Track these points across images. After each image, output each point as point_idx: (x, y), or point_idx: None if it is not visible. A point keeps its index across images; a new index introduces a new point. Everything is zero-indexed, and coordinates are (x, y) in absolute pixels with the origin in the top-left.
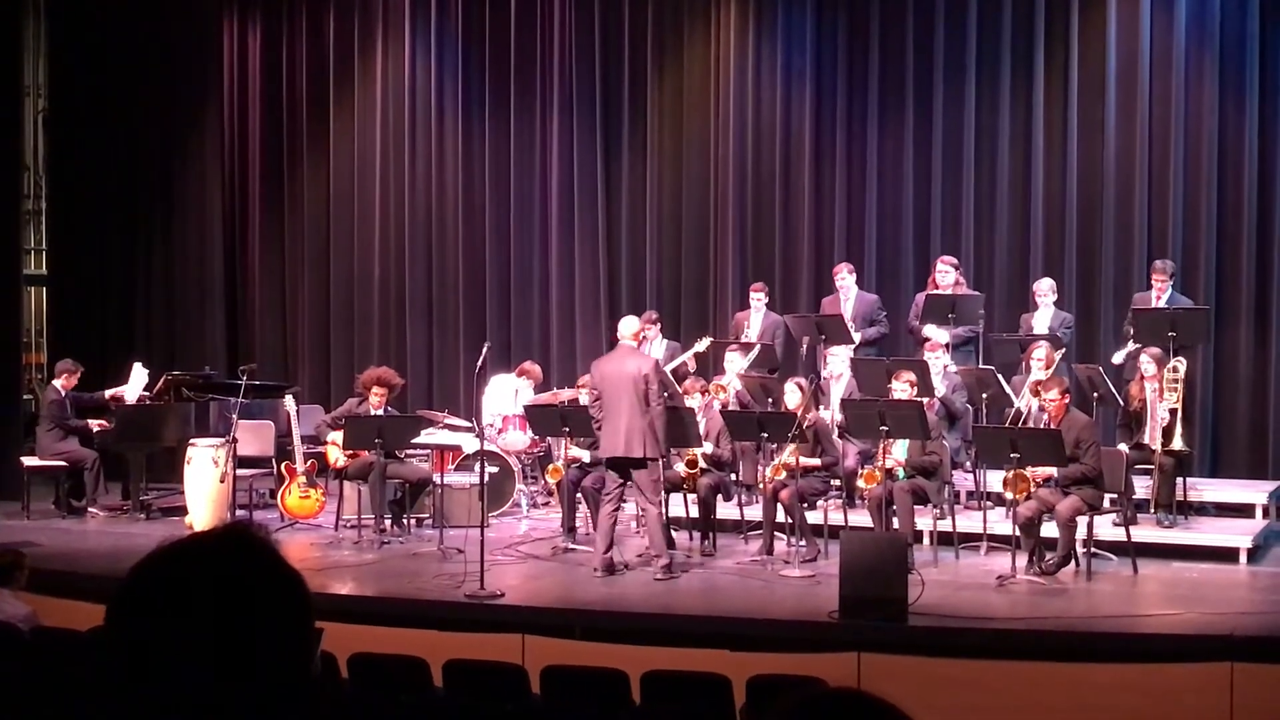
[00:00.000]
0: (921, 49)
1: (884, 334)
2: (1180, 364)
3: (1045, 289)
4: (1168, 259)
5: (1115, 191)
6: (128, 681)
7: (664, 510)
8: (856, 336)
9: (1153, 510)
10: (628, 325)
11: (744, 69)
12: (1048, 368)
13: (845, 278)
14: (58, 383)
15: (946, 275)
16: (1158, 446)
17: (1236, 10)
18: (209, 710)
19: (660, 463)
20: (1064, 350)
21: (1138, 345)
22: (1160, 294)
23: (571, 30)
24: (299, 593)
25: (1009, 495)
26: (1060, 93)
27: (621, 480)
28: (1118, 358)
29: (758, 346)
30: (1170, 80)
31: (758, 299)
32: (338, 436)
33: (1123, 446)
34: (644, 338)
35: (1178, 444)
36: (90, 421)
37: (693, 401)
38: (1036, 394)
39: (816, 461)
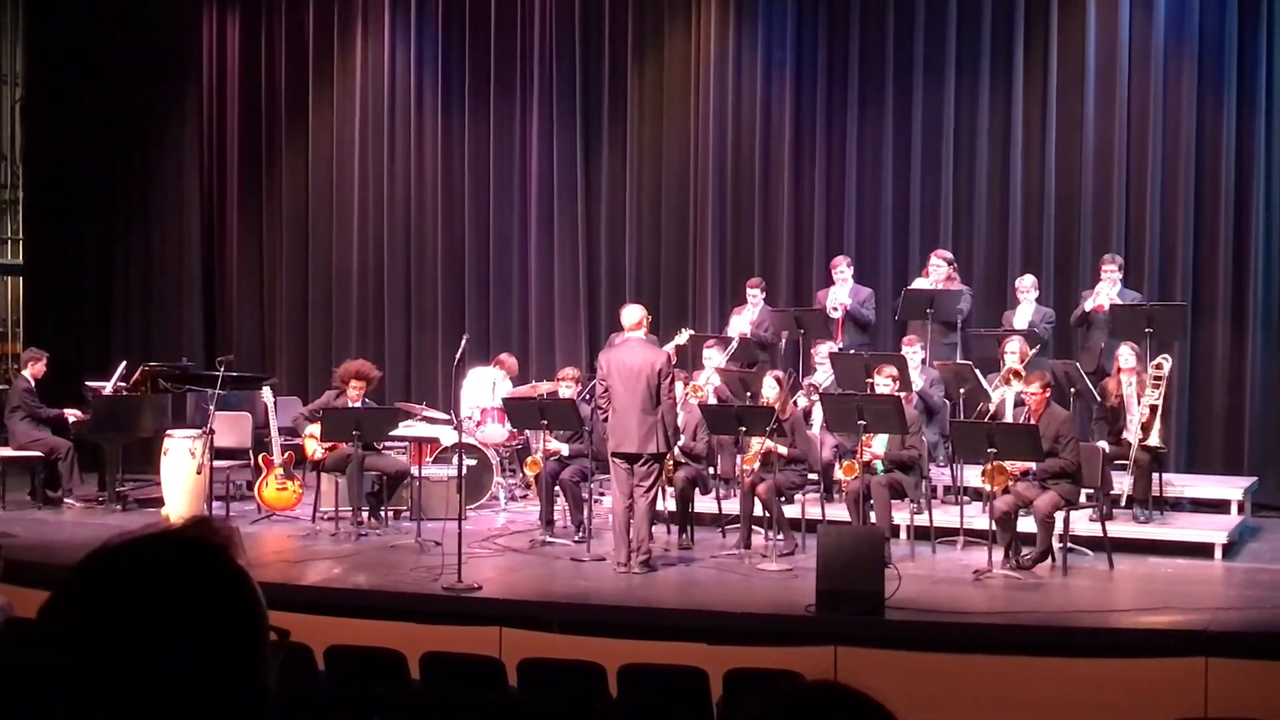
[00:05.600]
0: (902, 43)
1: (870, 322)
2: (1165, 361)
3: (1027, 285)
4: (1116, 253)
5: (1093, 188)
6: (56, 693)
7: (655, 503)
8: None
9: (1127, 506)
10: (631, 314)
11: (724, 61)
12: (1022, 360)
13: (844, 270)
14: (26, 371)
15: (939, 269)
16: (1135, 440)
17: (1215, 9)
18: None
19: (664, 457)
20: (1040, 344)
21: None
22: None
23: (551, 22)
24: (246, 600)
25: (988, 487)
26: (1039, 88)
27: (630, 470)
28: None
29: (735, 341)
30: (1149, 78)
31: (753, 294)
32: (315, 429)
33: (1102, 443)
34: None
35: (1154, 440)
36: (65, 411)
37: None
38: (1009, 381)
39: (785, 451)
